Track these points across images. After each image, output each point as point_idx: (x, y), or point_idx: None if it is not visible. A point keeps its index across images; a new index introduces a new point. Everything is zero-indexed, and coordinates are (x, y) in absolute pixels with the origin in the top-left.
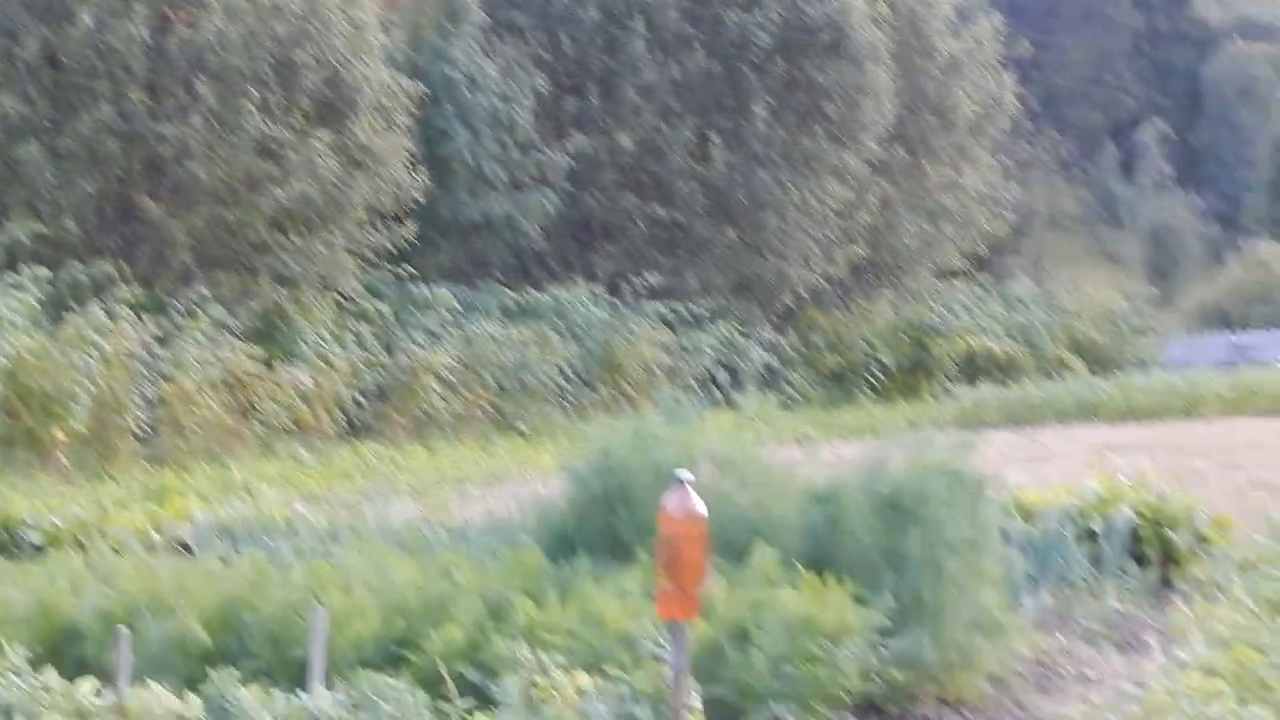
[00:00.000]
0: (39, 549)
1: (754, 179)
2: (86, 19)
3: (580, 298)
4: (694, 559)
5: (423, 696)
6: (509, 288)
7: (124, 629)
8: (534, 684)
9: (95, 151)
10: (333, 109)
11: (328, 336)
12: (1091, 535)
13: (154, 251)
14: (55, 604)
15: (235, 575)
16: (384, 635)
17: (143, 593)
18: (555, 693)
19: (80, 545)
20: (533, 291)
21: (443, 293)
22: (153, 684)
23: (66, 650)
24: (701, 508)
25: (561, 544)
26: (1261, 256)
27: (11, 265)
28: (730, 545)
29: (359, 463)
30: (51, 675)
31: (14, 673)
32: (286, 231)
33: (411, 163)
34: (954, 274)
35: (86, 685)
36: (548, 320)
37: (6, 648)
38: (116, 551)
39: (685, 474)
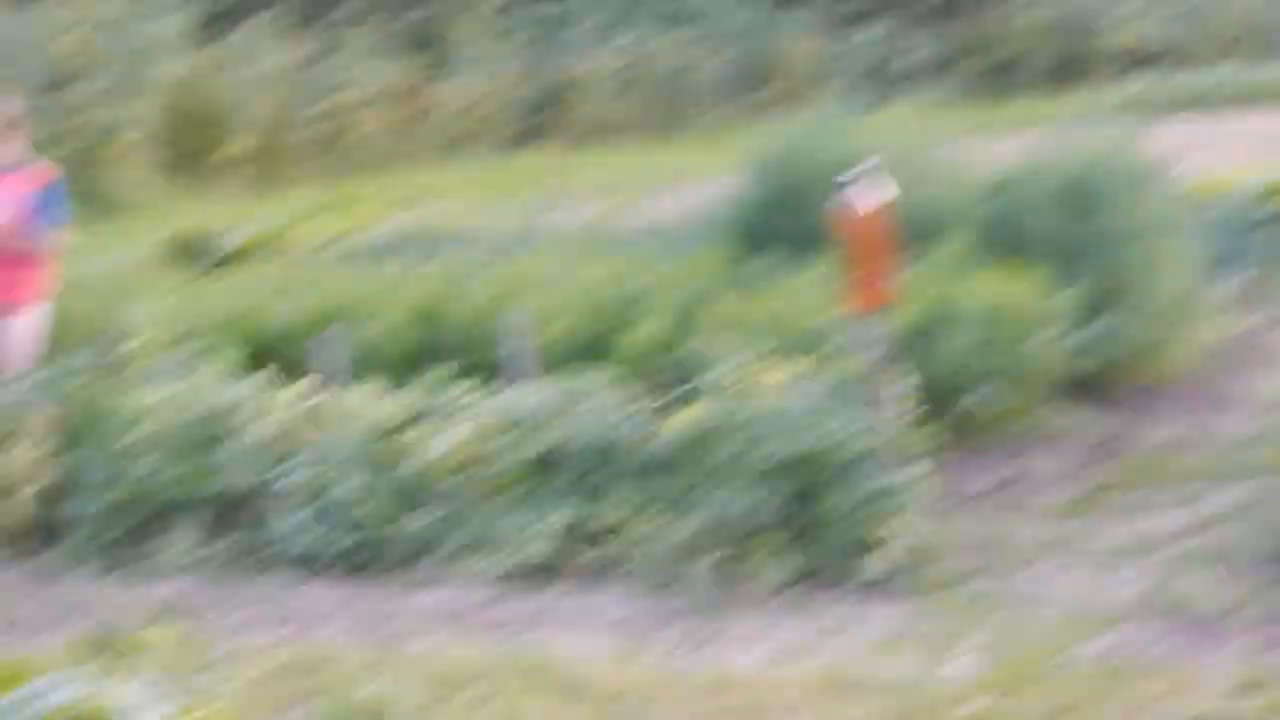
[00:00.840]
0: (230, 260)
1: None
2: None
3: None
4: (884, 247)
5: (627, 390)
6: None
7: (333, 330)
8: (734, 374)
9: None
10: None
11: (488, 46)
12: (1276, 219)
13: None
14: (258, 310)
15: (429, 280)
16: (580, 334)
17: (341, 299)
18: (757, 381)
19: (272, 255)
20: None
21: None
22: (366, 384)
23: (274, 354)
24: (891, 192)
25: (743, 242)
26: None
27: None
28: (911, 240)
29: (531, 170)
30: (263, 378)
31: (226, 378)
32: None
33: None
34: None
35: (299, 386)
36: (703, 24)
37: (216, 355)
38: (309, 261)
39: (872, 161)
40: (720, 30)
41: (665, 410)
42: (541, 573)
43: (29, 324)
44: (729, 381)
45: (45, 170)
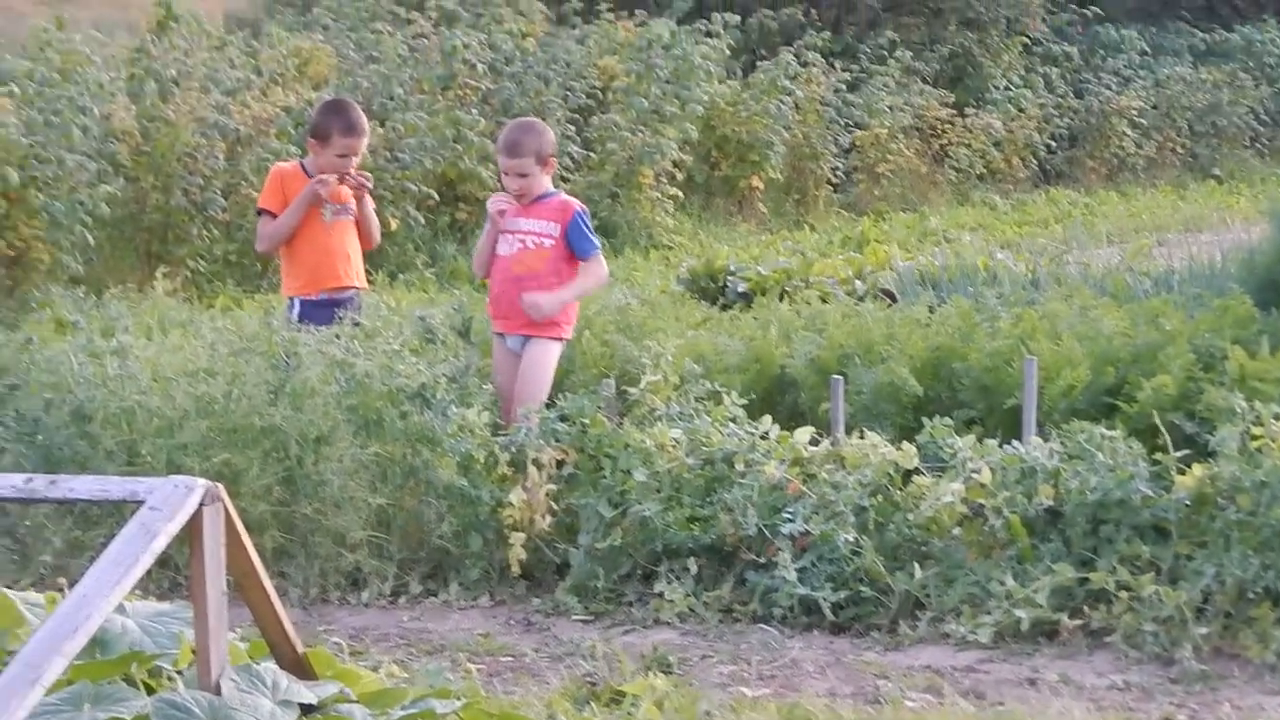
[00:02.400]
0: (744, 297)
1: None
2: None
3: (1273, 37)
4: None
5: (1137, 446)
6: (1196, 28)
7: (838, 377)
8: (1250, 434)
9: None
10: None
11: (1016, 81)
12: None
13: None
14: (766, 352)
15: (942, 323)
16: (1093, 384)
17: (851, 341)
18: (1272, 443)
19: (785, 293)
20: (1221, 31)
21: (1130, 34)
22: (868, 432)
23: (779, 398)
24: None
25: (1269, 291)
26: None
27: (701, 12)
28: None
29: (1052, 209)
30: (767, 423)
31: (732, 420)
32: None
33: None
34: None
35: (803, 433)
36: (1238, 61)
37: (725, 397)
38: (823, 300)
39: None
40: (1256, 67)
41: (1173, 469)
42: (1031, 636)
43: (541, 359)
44: (1244, 441)
45: (569, 203)
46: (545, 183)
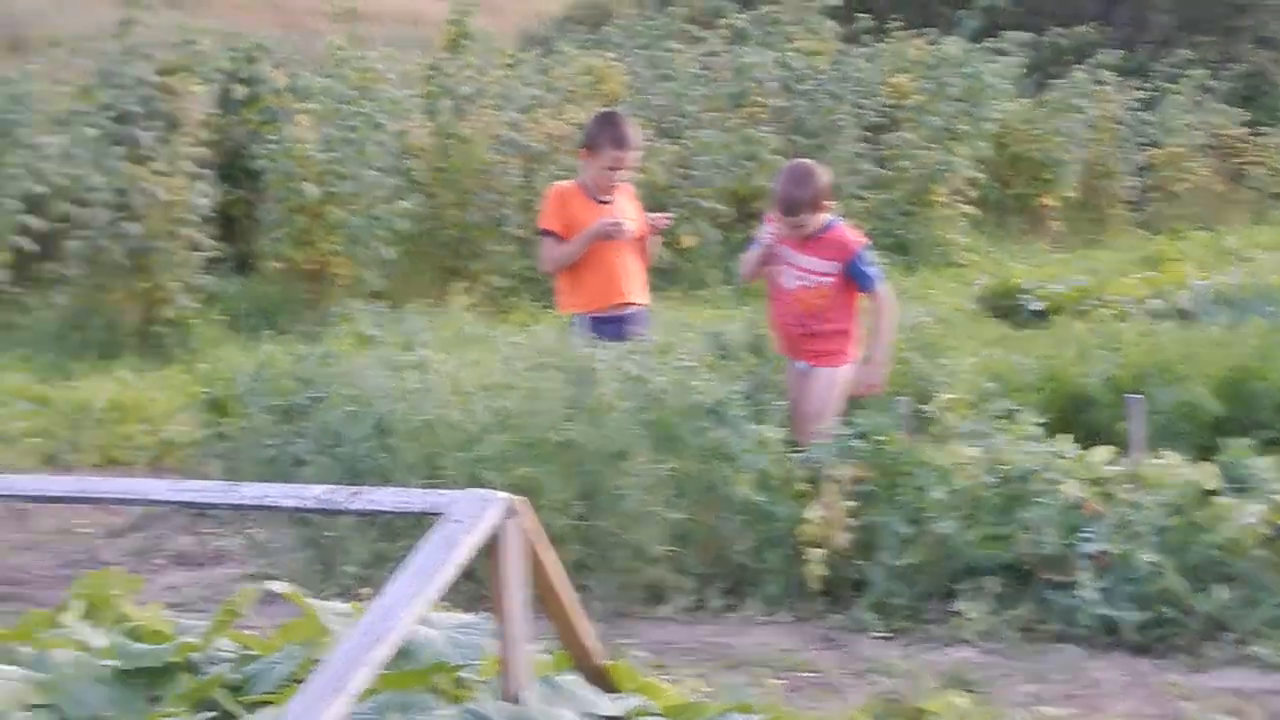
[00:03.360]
0: (1039, 315)
1: None
2: None
3: None
4: None
5: None
6: None
7: (1137, 397)
8: None
9: None
10: None
11: None
12: None
13: (1134, 14)
14: (1062, 370)
15: (1240, 343)
16: None
17: (1148, 360)
18: None
19: (1079, 312)
20: None
21: None
22: (1167, 452)
23: (1075, 417)
24: None
25: None
26: None
27: (992, 30)
28: None
29: None
30: (1065, 441)
31: (1030, 439)
32: None
33: None
34: None
35: (1101, 452)
36: None
37: (1020, 415)
38: (1119, 318)
39: None
40: None
41: None
42: None
43: (832, 381)
44: None
45: (848, 241)
46: (822, 218)
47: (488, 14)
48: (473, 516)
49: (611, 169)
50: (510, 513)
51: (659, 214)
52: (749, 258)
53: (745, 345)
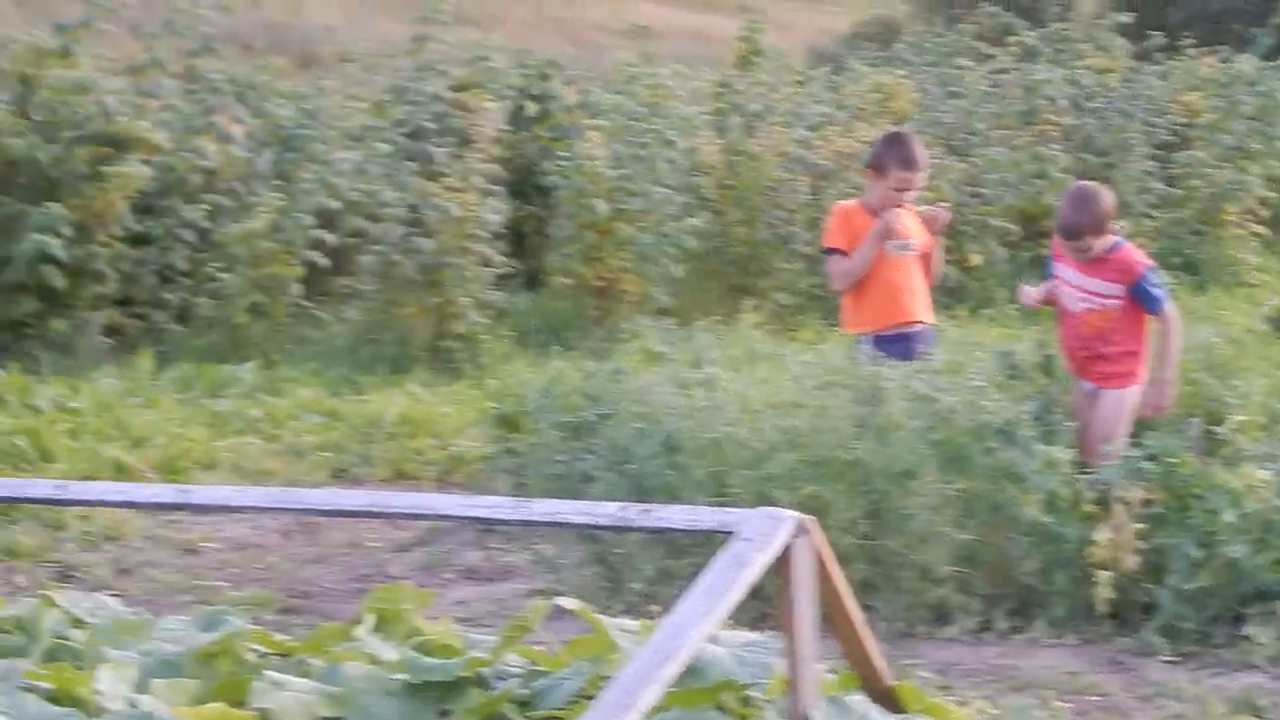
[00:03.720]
0: None
1: None
2: None
3: None
4: None
5: None
6: None
7: None
8: None
9: None
10: None
11: None
12: None
13: None
14: None
15: None
16: None
17: None
18: None
19: None
20: None
21: None
22: None
23: None
24: None
25: None
26: None
27: None
28: None
29: None
30: None
31: None
32: None
33: None
34: None
35: None
36: None
37: None
38: None
39: None
40: None
41: None
42: None
43: (1120, 402)
44: None
45: (1133, 264)
46: (1106, 240)
47: (777, 31)
48: (763, 535)
49: (898, 190)
50: (800, 531)
51: (937, 206)
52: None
53: (1035, 365)
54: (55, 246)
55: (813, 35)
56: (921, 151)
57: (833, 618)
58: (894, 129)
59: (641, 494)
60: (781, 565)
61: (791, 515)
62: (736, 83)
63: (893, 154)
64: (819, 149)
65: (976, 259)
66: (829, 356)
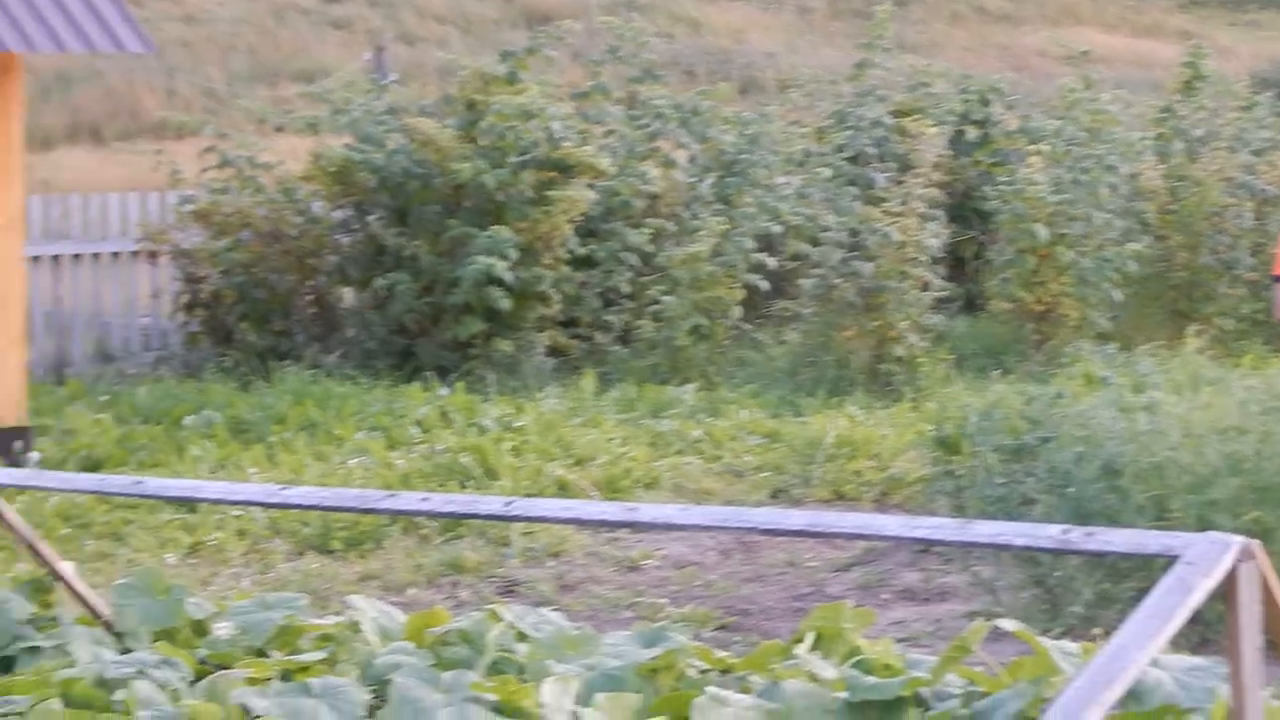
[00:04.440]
0: None
1: None
2: None
3: None
4: None
5: None
6: None
7: None
8: None
9: None
10: None
11: None
12: None
13: None
14: None
15: None
16: None
17: None
18: None
19: None
20: None
21: None
22: None
23: None
24: None
25: None
26: None
27: None
28: None
29: None
30: None
31: None
32: None
33: None
34: None
35: None
36: None
37: None
38: None
39: None
40: None
41: None
42: None
43: None
44: None
45: None
46: None
47: (1219, 56)
48: (1207, 559)
49: None
50: (1245, 556)
51: None
52: None
53: None
54: (501, 269)
55: (1255, 61)
56: None
57: (1278, 644)
58: None
59: (1081, 517)
60: (1226, 590)
61: (1237, 540)
62: (1179, 108)
63: None
64: (1264, 174)
65: None
66: (1274, 382)
